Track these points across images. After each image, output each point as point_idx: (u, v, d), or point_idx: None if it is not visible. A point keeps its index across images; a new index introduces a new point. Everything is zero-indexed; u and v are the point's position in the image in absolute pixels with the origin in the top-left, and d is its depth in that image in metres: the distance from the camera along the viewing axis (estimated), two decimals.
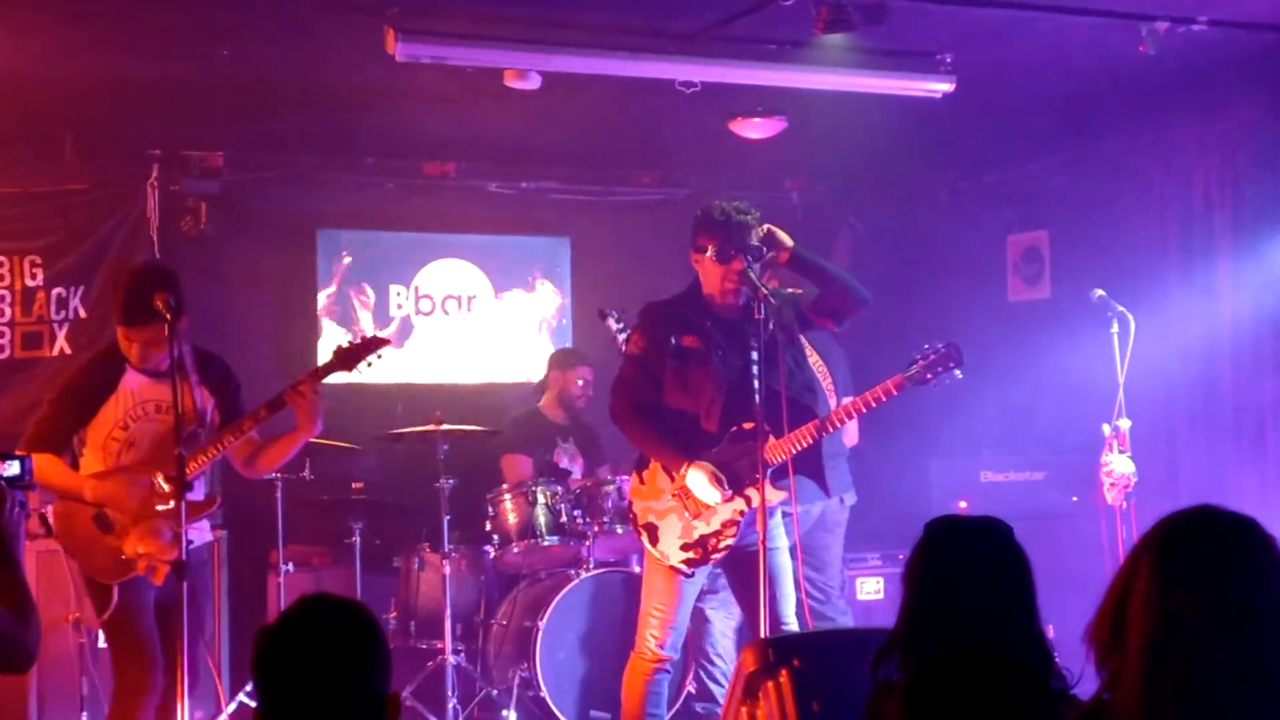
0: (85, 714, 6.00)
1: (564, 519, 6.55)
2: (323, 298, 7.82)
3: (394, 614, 6.82)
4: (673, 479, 4.98)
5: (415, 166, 7.86)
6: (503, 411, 7.50)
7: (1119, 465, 5.84)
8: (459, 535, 6.66)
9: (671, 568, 4.98)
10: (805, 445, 4.91)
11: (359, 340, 5.12)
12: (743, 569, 4.98)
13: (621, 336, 5.91)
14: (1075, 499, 6.96)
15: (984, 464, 7.40)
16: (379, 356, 5.04)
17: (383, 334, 6.05)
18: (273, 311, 7.81)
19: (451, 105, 6.50)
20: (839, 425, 5.04)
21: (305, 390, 4.82)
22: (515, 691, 6.29)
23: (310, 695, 2.26)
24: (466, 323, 8.15)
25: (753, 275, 4.84)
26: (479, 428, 6.66)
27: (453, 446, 6.54)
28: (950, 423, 7.59)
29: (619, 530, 6.47)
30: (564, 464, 7.05)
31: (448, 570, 6.38)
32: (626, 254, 8.09)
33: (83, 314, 7.08)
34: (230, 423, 4.89)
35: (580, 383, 7.16)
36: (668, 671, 5.10)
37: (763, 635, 4.65)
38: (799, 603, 5.13)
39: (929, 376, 4.91)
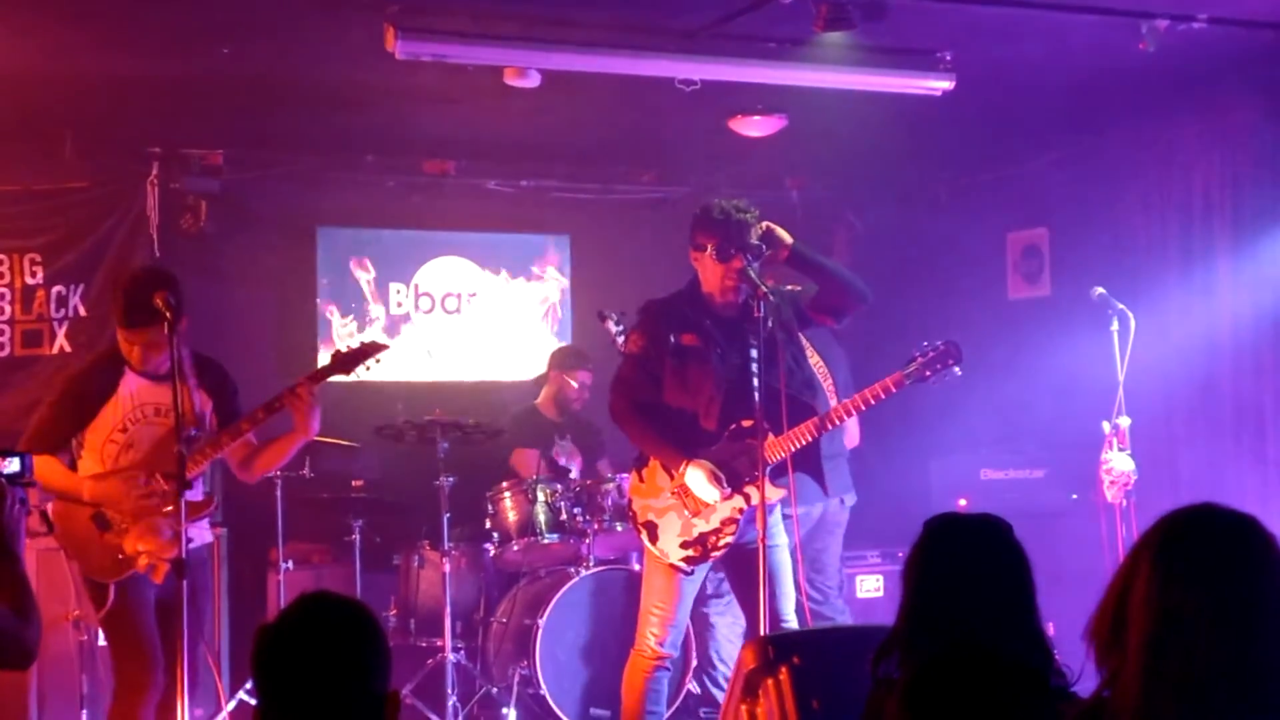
0: (85, 712, 6.01)
1: (564, 517, 6.56)
2: (322, 295, 7.82)
3: (394, 612, 6.82)
4: (672, 477, 4.98)
5: (415, 164, 7.86)
6: (502, 410, 7.50)
7: (1119, 463, 5.84)
8: (459, 533, 6.67)
9: (671, 566, 4.98)
10: (805, 443, 4.91)
11: (358, 345, 5.14)
12: (742, 567, 4.98)
13: (620, 339, 5.91)
14: (1075, 497, 6.96)
15: (983, 462, 7.40)
16: (377, 361, 5.07)
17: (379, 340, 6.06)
18: (272, 309, 7.81)
19: (451, 103, 6.50)
20: (838, 423, 5.04)
21: (302, 393, 4.83)
22: (515, 689, 6.30)
23: (310, 693, 2.27)
24: (466, 320, 8.15)
25: (752, 274, 4.84)
26: (478, 426, 6.65)
27: (452, 444, 6.54)
28: (950, 421, 7.59)
29: (619, 528, 6.47)
30: (562, 461, 7.06)
31: (447, 568, 6.39)
32: (626, 252, 8.09)
33: (83, 312, 7.08)
34: (228, 425, 4.90)
35: (577, 386, 7.16)
36: (667, 669, 5.10)
37: (762, 633, 4.66)
38: (798, 603, 5.14)
39: (928, 374, 4.91)
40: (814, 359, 6.16)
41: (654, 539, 5.01)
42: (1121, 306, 5.96)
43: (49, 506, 4.91)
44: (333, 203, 7.82)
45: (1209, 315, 6.76)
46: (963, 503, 6.99)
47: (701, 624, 6.23)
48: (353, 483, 6.86)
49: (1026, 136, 7.47)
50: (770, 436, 4.83)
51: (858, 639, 3.77)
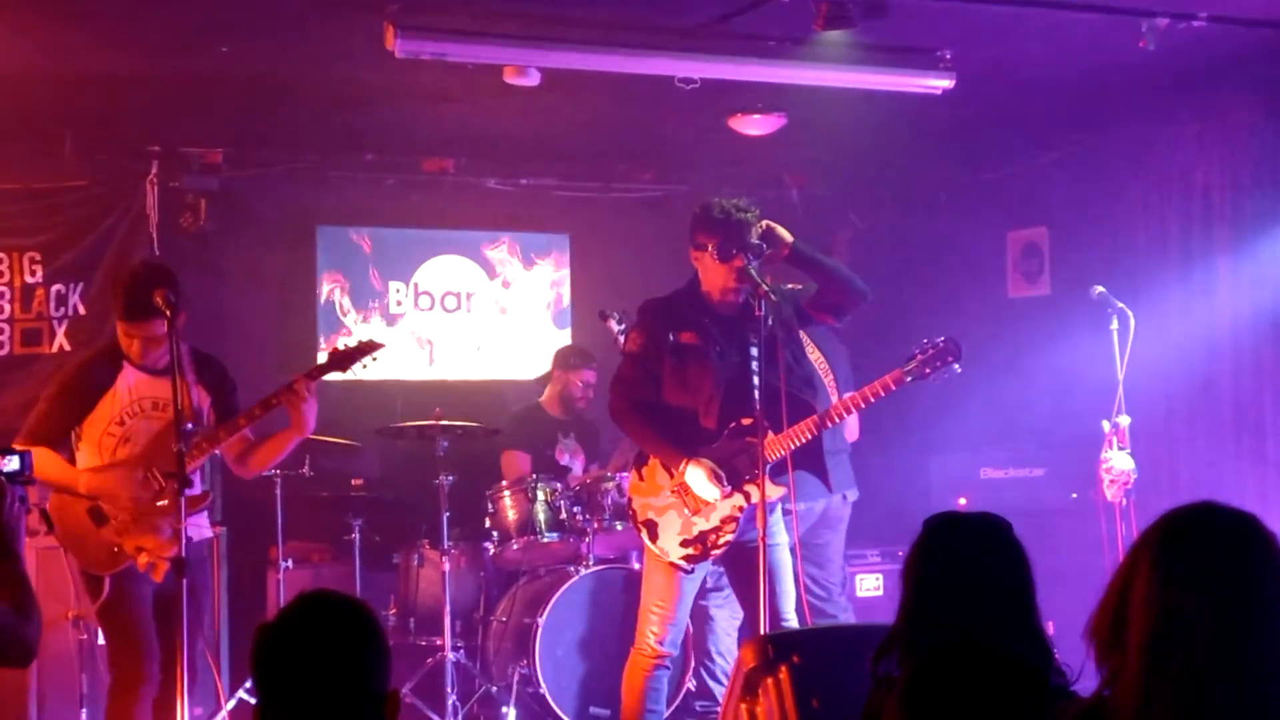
0: (84, 711, 6.00)
1: (563, 515, 6.56)
2: (322, 293, 7.82)
3: (393, 611, 6.82)
4: (672, 475, 4.98)
5: (414, 163, 7.86)
6: (502, 408, 7.50)
7: (1118, 462, 5.84)
8: (458, 532, 6.66)
9: (671, 564, 4.98)
10: (804, 440, 4.92)
11: (355, 342, 5.15)
12: (743, 565, 4.98)
13: (623, 338, 5.91)
14: (1074, 496, 6.96)
15: (983, 461, 7.40)
16: (374, 359, 5.08)
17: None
18: (272, 308, 7.80)
19: (451, 102, 6.50)
20: (838, 420, 5.04)
21: (299, 389, 4.85)
22: (515, 688, 6.30)
23: (310, 692, 2.27)
24: (466, 319, 8.15)
25: (753, 273, 4.84)
26: (478, 425, 6.64)
27: (452, 443, 6.54)
28: (949, 419, 7.59)
29: (618, 527, 6.47)
30: (565, 460, 7.06)
31: (447, 567, 6.39)
32: (626, 251, 8.08)
33: (82, 311, 7.08)
34: (225, 421, 4.92)
35: (581, 385, 7.16)
36: (667, 668, 5.10)
37: (762, 631, 4.66)
38: (799, 600, 5.14)
39: (928, 371, 4.91)
40: (815, 356, 6.17)
41: (654, 537, 5.01)
42: (1121, 305, 5.96)
43: (48, 503, 4.92)
44: (332, 201, 7.82)
45: (1209, 314, 6.76)
46: (962, 501, 6.99)
47: (700, 617, 6.22)
48: (352, 481, 6.87)
49: (1026, 135, 7.46)
50: (770, 434, 4.84)
51: (857, 638, 3.77)
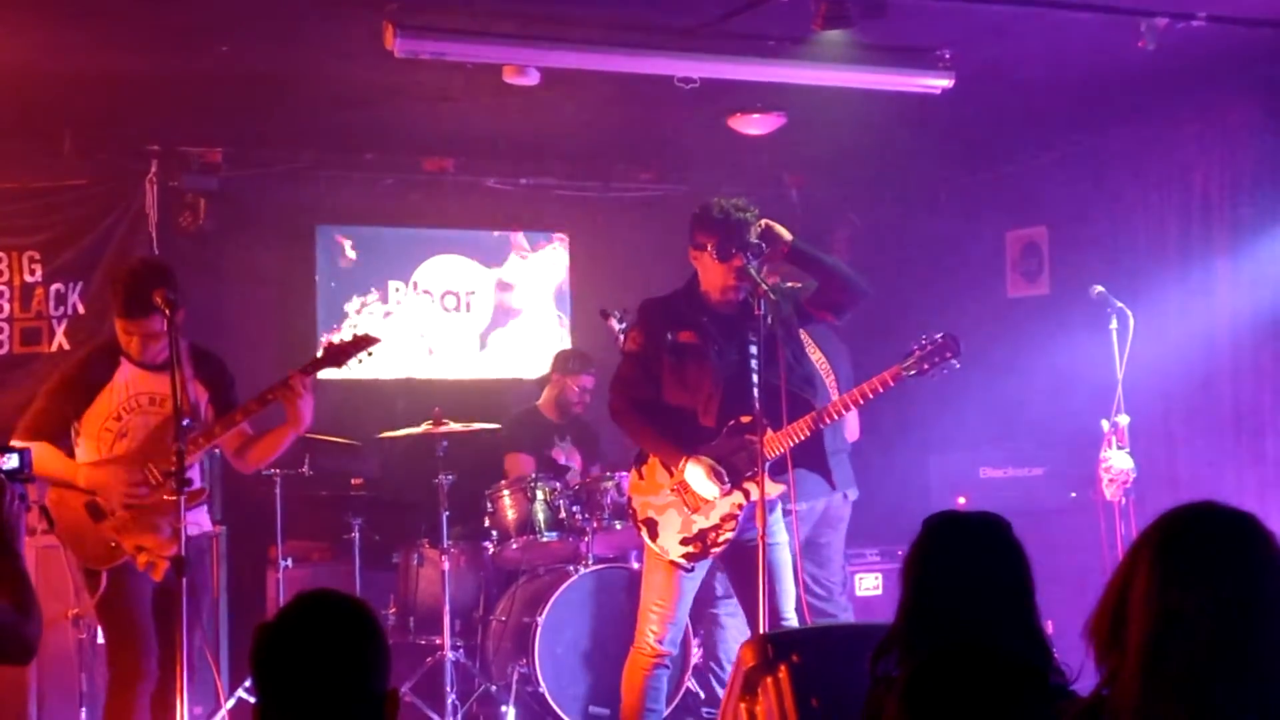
0: (84, 710, 6.00)
1: (563, 515, 6.55)
2: (321, 292, 7.82)
3: (393, 610, 6.82)
4: (671, 474, 4.98)
5: (414, 162, 7.86)
6: (502, 408, 7.49)
7: (1118, 461, 5.85)
8: (458, 531, 6.66)
9: (671, 563, 4.98)
10: (803, 438, 4.92)
11: (349, 337, 5.15)
12: (742, 564, 4.98)
13: (624, 337, 5.90)
14: (1074, 495, 6.96)
15: (982, 460, 7.40)
16: (369, 354, 5.09)
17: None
18: (271, 307, 7.80)
19: (450, 101, 6.50)
20: (836, 417, 5.03)
21: (294, 384, 4.86)
22: (514, 687, 6.30)
23: (309, 691, 2.27)
24: (466, 318, 8.15)
25: (752, 272, 4.84)
26: (479, 425, 6.64)
27: (452, 443, 6.54)
28: (948, 419, 7.59)
29: (618, 526, 6.47)
30: (562, 460, 7.06)
31: (447, 566, 6.39)
32: (625, 250, 8.08)
33: (81, 310, 7.08)
34: (222, 415, 4.93)
35: (578, 390, 7.15)
36: (667, 667, 5.10)
37: (761, 630, 4.66)
38: (799, 600, 5.14)
39: (926, 367, 4.90)
40: (817, 356, 6.17)
41: (654, 536, 5.01)
42: (1120, 305, 5.96)
43: (47, 499, 4.93)
44: (332, 200, 7.81)
45: (1208, 314, 6.76)
46: (962, 501, 6.99)
47: (711, 624, 6.23)
48: (352, 481, 6.87)
49: (1026, 135, 7.47)
50: (769, 432, 4.83)
51: (857, 637, 3.77)
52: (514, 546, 6.60)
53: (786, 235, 5.01)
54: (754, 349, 4.88)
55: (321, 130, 7.20)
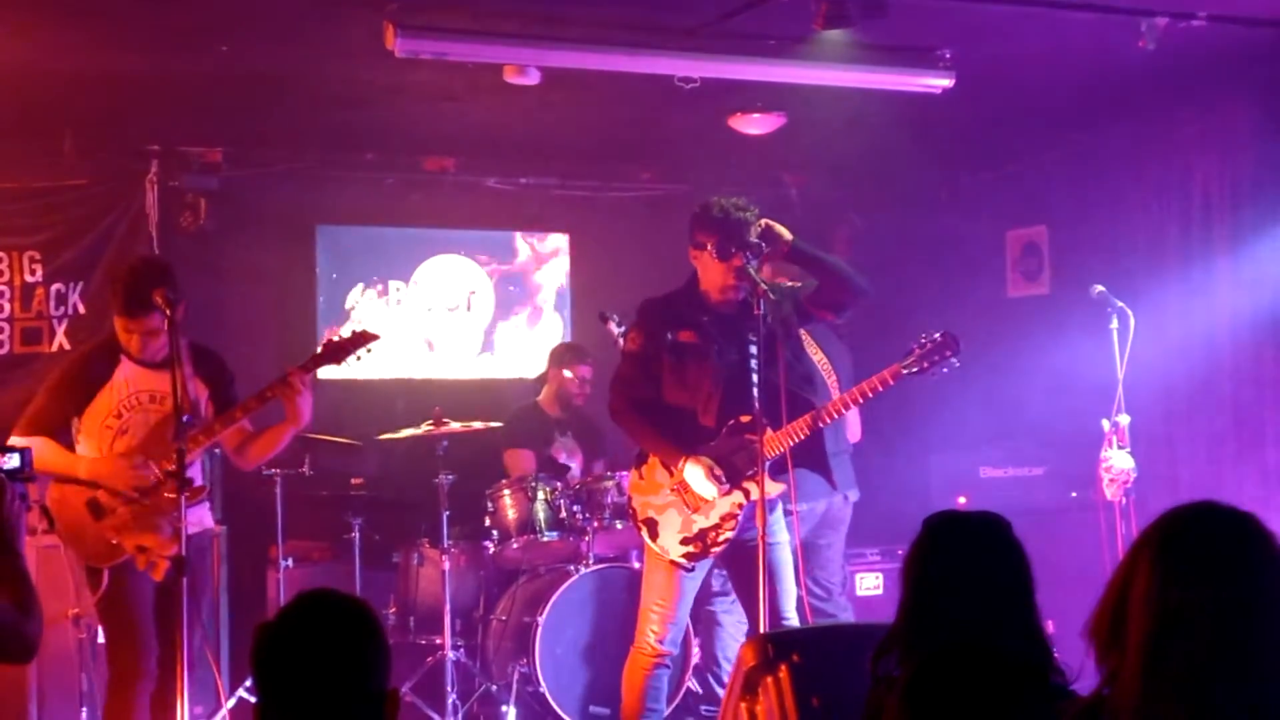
0: (84, 710, 6.00)
1: (563, 514, 6.55)
2: (322, 292, 7.82)
3: (393, 610, 6.82)
4: (671, 474, 4.98)
5: (414, 162, 7.86)
6: (503, 407, 7.49)
7: (1118, 461, 5.84)
8: (458, 531, 6.66)
9: (672, 562, 4.99)
10: (802, 437, 4.91)
11: (349, 334, 5.15)
12: (743, 563, 4.98)
13: (622, 340, 5.90)
14: (1074, 495, 6.96)
15: (983, 460, 7.40)
16: (368, 351, 5.10)
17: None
18: (272, 307, 7.81)
19: (451, 101, 6.50)
20: (835, 416, 5.03)
21: (293, 381, 4.87)
22: (515, 687, 6.30)
23: (310, 691, 2.27)
24: (466, 318, 8.15)
25: (752, 271, 4.84)
26: (479, 425, 6.64)
27: (452, 442, 6.55)
28: (949, 418, 7.59)
29: (618, 526, 6.47)
30: (562, 459, 7.06)
31: (447, 566, 6.39)
32: (625, 250, 8.08)
33: (82, 309, 7.08)
34: (222, 413, 4.94)
35: (577, 380, 7.16)
36: (667, 667, 5.10)
37: (762, 630, 4.66)
38: (800, 599, 5.14)
39: (926, 365, 4.90)
40: (818, 356, 6.17)
41: (654, 536, 5.01)
42: (1121, 304, 5.96)
43: (47, 497, 4.94)
44: (332, 200, 7.82)
45: (1208, 313, 6.76)
46: (962, 500, 6.99)
47: (708, 622, 6.22)
48: (352, 480, 6.86)
49: (1026, 134, 7.47)
50: (769, 431, 4.83)
51: (857, 637, 3.77)
52: (514, 546, 6.60)
53: (786, 235, 5.01)
54: (754, 348, 4.88)
55: (322, 130, 7.20)
